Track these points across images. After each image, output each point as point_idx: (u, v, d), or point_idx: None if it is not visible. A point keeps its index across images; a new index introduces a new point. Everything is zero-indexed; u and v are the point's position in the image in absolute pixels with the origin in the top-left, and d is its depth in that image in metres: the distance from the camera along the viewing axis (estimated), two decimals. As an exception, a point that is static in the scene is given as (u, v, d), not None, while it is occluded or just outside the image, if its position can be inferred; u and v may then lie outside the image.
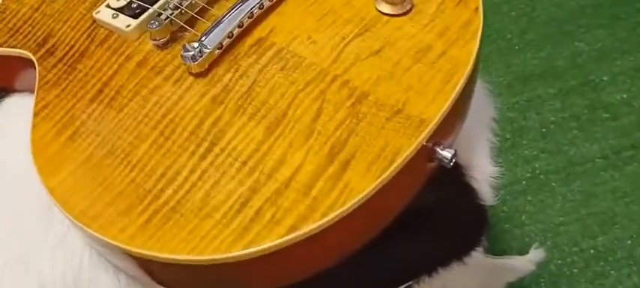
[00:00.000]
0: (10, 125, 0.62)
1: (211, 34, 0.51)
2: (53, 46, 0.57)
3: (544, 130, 1.14)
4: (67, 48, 0.57)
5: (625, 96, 1.13)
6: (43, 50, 0.57)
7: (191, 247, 0.42)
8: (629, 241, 1.00)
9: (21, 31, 0.60)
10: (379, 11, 0.52)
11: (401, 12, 0.52)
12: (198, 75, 0.51)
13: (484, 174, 0.55)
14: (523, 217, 1.05)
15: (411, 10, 0.52)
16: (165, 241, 0.43)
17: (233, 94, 0.49)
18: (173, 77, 0.51)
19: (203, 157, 0.46)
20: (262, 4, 0.53)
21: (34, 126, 0.51)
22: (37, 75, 0.56)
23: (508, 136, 1.12)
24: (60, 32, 0.58)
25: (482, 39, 0.50)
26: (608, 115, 1.12)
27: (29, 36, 0.59)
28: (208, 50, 0.50)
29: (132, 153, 0.47)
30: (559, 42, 1.23)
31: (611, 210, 1.04)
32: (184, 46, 0.51)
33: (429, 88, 0.47)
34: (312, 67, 0.49)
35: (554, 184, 1.08)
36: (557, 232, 1.03)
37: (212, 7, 0.55)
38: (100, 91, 0.52)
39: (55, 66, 0.56)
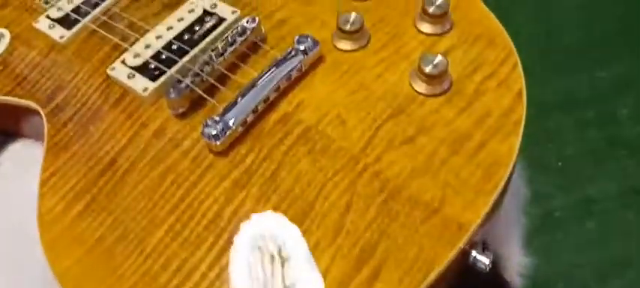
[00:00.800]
0: (17, 175, 0.59)
1: (234, 110, 0.48)
2: (63, 100, 0.54)
3: (560, 163, 1.11)
4: (79, 105, 0.53)
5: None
6: (52, 104, 0.54)
7: None
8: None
9: (29, 79, 0.56)
10: (414, 90, 0.49)
11: (438, 92, 0.48)
12: (219, 153, 0.47)
13: (515, 265, 0.52)
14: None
15: (448, 89, 0.49)
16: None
17: (256, 179, 0.46)
18: (192, 153, 0.48)
19: (223, 252, 0.43)
20: (290, 75, 0.50)
21: (42, 196, 0.48)
22: (46, 133, 0.52)
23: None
24: (71, 85, 0.55)
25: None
26: (626, 152, 1.09)
27: (38, 86, 0.56)
28: (231, 128, 0.47)
29: (146, 240, 0.44)
30: (578, 71, 1.19)
31: (627, 251, 1.01)
32: (206, 122, 0.47)
33: (467, 187, 0.44)
34: (341, 153, 0.46)
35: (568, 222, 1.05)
36: (571, 274, 1.00)
37: (234, 74, 0.52)
38: (114, 160, 0.49)
39: (65, 125, 0.52)
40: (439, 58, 0.48)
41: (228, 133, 0.47)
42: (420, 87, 0.49)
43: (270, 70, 0.50)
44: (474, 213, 0.43)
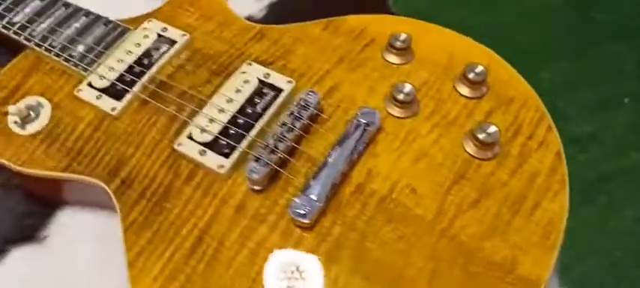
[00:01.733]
0: (69, 244, 0.60)
1: (317, 187, 0.52)
2: (129, 176, 0.56)
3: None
4: (147, 181, 0.55)
5: (591, 129, 1.21)
6: (117, 180, 0.56)
7: None
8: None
9: (84, 153, 0.58)
10: (469, 154, 0.55)
11: (491, 156, 0.55)
12: (306, 227, 0.51)
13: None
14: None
15: (499, 152, 0.55)
16: None
17: (346, 251, 0.50)
18: (279, 228, 0.52)
19: (329, 324, 0.48)
20: (359, 147, 0.54)
21: (134, 279, 0.51)
22: (118, 210, 0.54)
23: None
24: (134, 160, 0.57)
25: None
26: (575, 149, 1.21)
27: (96, 161, 0.57)
28: (319, 205, 0.51)
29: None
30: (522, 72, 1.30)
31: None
32: (293, 201, 0.51)
33: (532, 245, 0.50)
34: (417, 220, 0.52)
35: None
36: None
37: (300, 145, 0.56)
38: (200, 239, 0.52)
39: (137, 202, 0.54)
40: (493, 128, 0.54)
41: (315, 210, 0.51)
42: (475, 151, 0.55)
43: (341, 144, 0.54)
44: (543, 269, 0.49)
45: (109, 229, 0.60)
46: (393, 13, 0.79)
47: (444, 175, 0.54)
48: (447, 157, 0.55)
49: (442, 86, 0.59)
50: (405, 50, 0.60)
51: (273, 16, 0.75)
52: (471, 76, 0.58)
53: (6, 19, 0.67)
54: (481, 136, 0.54)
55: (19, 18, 0.68)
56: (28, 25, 0.67)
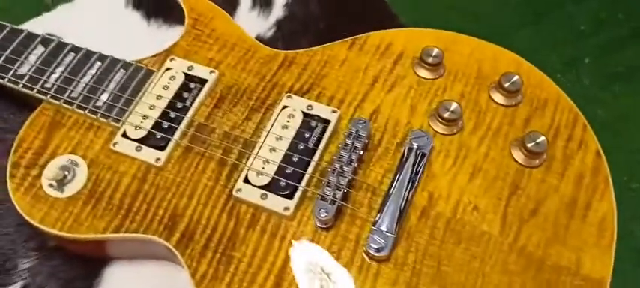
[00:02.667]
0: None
1: (386, 219, 0.53)
2: (188, 228, 0.55)
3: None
4: (209, 231, 0.55)
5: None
6: (177, 234, 0.55)
7: None
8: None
9: (135, 209, 0.56)
10: (519, 163, 0.57)
11: (539, 163, 0.57)
12: (382, 259, 0.53)
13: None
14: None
15: (545, 158, 0.58)
16: None
17: (425, 278, 0.52)
18: (355, 263, 0.53)
19: None
20: (417, 172, 0.55)
21: (220, 335, 0.51)
22: (185, 266, 0.54)
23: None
24: (189, 210, 0.56)
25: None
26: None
27: (150, 216, 0.56)
28: (392, 237, 0.52)
29: None
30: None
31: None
32: (370, 238, 0.52)
33: (590, 246, 0.54)
34: (485, 237, 0.54)
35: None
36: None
37: (357, 175, 0.56)
38: (278, 285, 0.52)
39: (203, 254, 0.54)
40: (541, 138, 0.56)
41: (390, 242, 0.52)
42: (524, 160, 0.57)
43: (400, 171, 0.55)
44: (605, 267, 0.53)
45: (163, 282, 0.59)
46: (393, 14, 0.80)
47: (500, 187, 0.56)
48: (500, 169, 0.57)
49: (479, 97, 0.61)
50: (437, 65, 0.62)
51: (282, 32, 0.74)
52: (506, 85, 0.60)
53: (10, 72, 0.64)
54: (530, 146, 0.56)
55: (25, 69, 0.64)
56: (37, 76, 0.63)
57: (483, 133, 0.59)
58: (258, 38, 0.72)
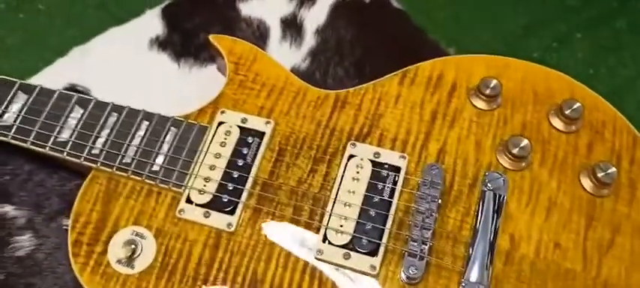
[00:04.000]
0: None
1: (475, 271, 0.53)
2: (269, 294, 0.54)
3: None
4: (293, 295, 0.54)
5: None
6: (259, 300, 0.54)
7: None
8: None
9: (212, 279, 0.55)
10: (590, 193, 0.58)
11: (607, 192, 0.58)
12: (476, 309, 0.53)
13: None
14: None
15: (614, 186, 0.58)
16: None
17: (522, 323, 0.52)
18: (448, 317, 0.53)
19: None
20: (496, 215, 0.55)
21: None
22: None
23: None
24: (269, 274, 0.55)
25: None
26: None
27: (229, 284, 0.54)
28: (486, 286, 0.52)
29: None
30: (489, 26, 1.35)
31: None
32: (463, 284, 0.52)
33: (670, 271, 0.55)
34: (570, 274, 0.54)
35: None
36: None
37: (441, 221, 0.56)
38: (375, 346, 0.52)
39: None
40: (612, 169, 0.57)
41: (484, 292, 0.52)
42: (594, 190, 0.57)
43: (482, 217, 0.55)
44: (684, 290, 0.54)
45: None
46: (420, 30, 0.78)
47: (576, 221, 0.56)
48: (573, 201, 0.57)
49: (540, 127, 0.61)
50: (495, 96, 0.61)
51: (318, 62, 0.72)
52: (568, 112, 0.60)
53: (51, 141, 0.60)
54: (601, 176, 0.57)
55: (66, 135, 0.61)
56: (81, 142, 0.60)
57: (551, 165, 0.59)
58: (294, 70, 0.70)
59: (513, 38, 1.37)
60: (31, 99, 0.62)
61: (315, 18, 0.76)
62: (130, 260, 0.55)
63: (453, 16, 1.41)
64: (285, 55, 0.72)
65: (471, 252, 0.53)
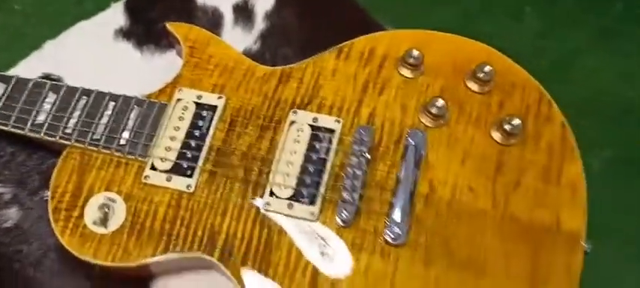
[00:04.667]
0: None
1: (398, 211, 0.62)
2: (226, 243, 0.63)
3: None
4: (246, 243, 0.63)
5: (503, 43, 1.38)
6: (217, 250, 0.63)
7: None
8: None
9: (175, 233, 0.63)
10: (500, 143, 0.67)
11: (514, 141, 0.67)
12: (400, 244, 0.62)
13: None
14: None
15: (521, 136, 0.67)
16: None
17: (436, 255, 0.61)
18: (376, 251, 0.62)
19: (445, 318, 0.59)
20: (417, 165, 0.65)
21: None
22: (230, 276, 0.61)
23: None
24: (224, 227, 0.63)
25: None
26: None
27: (190, 237, 0.63)
28: (405, 225, 0.62)
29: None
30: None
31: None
32: (387, 229, 0.61)
33: (565, 204, 0.64)
34: (482, 213, 0.63)
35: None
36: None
37: (367, 175, 0.65)
38: (315, 279, 0.61)
39: (244, 263, 0.62)
40: (517, 120, 0.66)
41: (405, 230, 0.61)
42: (503, 140, 0.67)
43: (403, 168, 0.64)
44: (580, 219, 0.64)
45: (202, 284, 0.66)
46: (365, 13, 0.87)
47: (487, 167, 0.66)
48: (484, 151, 0.66)
49: (457, 89, 0.70)
50: (418, 64, 0.70)
51: (267, 44, 0.81)
52: (481, 75, 0.69)
53: (29, 123, 0.69)
54: (508, 128, 0.66)
55: (42, 118, 0.69)
56: (56, 123, 0.68)
57: (466, 121, 0.68)
58: (245, 52, 0.79)
59: (464, 14, 1.46)
60: (9, 88, 0.70)
61: (264, 4, 0.84)
62: (103, 221, 0.63)
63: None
64: (238, 39, 0.81)
65: (395, 196, 0.63)
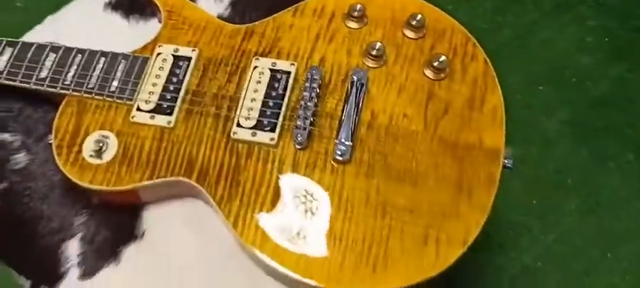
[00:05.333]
0: (165, 230, 0.78)
1: (344, 134, 0.74)
2: (202, 168, 0.75)
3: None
4: (218, 166, 0.75)
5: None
6: (195, 173, 0.75)
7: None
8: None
9: (160, 161, 0.76)
10: (431, 79, 0.80)
11: (443, 76, 0.80)
12: (345, 161, 0.74)
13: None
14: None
15: (448, 71, 0.80)
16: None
17: (377, 169, 0.74)
18: (327, 169, 0.74)
19: (383, 217, 0.72)
20: (360, 98, 0.77)
21: (242, 233, 0.71)
22: (207, 194, 0.74)
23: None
24: (201, 154, 0.76)
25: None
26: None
27: (172, 164, 0.75)
28: (350, 144, 0.74)
29: (335, 228, 0.71)
30: None
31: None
32: (335, 149, 0.74)
33: (488, 126, 0.77)
34: (414, 134, 0.76)
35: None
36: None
37: (317, 107, 0.78)
38: (277, 193, 0.73)
39: (218, 183, 0.74)
40: (443, 57, 0.78)
41: (349, 150, 0.74)
42: (433, 76, 0.79)
43: (348, 99, 0.77)
44: (499, 138, 0.76)
45: (186, 210, 0.79)
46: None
47: (420, 98, 0.78)
48: (418, 85, 0.79)
49: (395, 35, 0.83)
50: (361, 17, 0.83)
51: (236, 10, 0.93)
52: (413, 23, 0.82)
53: (34, 78, 0.81)
54: (436, 65, 0.79)
55: (45, 73, 0.81)
56: (56, 76, 0.81)
57: (402, 62, 0.81)
58: (219, 17, 0.91)
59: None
60: (15, 50, 0.83)
61: (234, -24, 0.97)
62: (98, 153, 0.76)
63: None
64: (211, 7, 0.93)
65: (341, 122, 0.75)
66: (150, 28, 0.91)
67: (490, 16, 1.65)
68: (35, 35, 0.93)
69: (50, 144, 0.79)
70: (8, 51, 0.83)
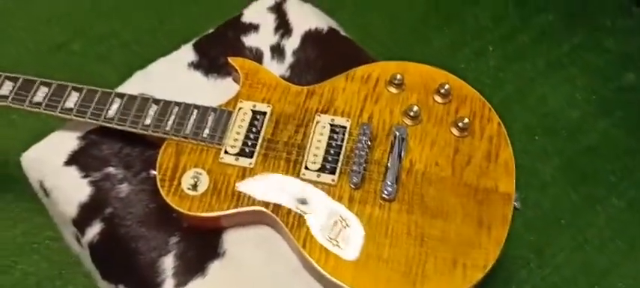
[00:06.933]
0: (242, 248, 0.98)
1: (390, 178, 0.95)
2: (276, 202, 0.95)
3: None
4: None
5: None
6: (271, 205, 0.95)
7: None
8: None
9: (242, 194, 0.96)
10: (456, 136, 1.01)
11: (466, 134, 1.01)
12: (390, 200, 0.95)
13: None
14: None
15: (469, 131, 1.01)
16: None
17: (416, 206, 0.94)
18: (376, 204, 0.95)
19: (420, 245, 0.92)
20: (401, 149, 0.98)
21: (318, 256, 0.91)
22: (281, 222, 0.94)
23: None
24: (274, 192, 0.96)
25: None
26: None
27: (251, 196, 0.95)
28: (395, 186, 0.95)
29: (383, 252, 0.91)
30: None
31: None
32: (383, 189, 0.94)
33: (501, 175, 0.97)
34: (445, 179, 0.96)
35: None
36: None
37: (368, 156, 0.98)
38: (336, 222, 0.93)
39: (289, 214, 0.94)
40: (466, 120, 1.00)
41: (394, 190, 0.95)
42: (458, 133, 1.01)
43: (392, 150, 0.97)
44: (511, 185, 0.97)
45: (258, 233, 0.99)
46: (362, 49, 1.21)
47: (448, 151, 0.99)
48: (446, 140, 1.00)
49: (427, 101, 1.04)
50: (400, 84, 1.04)
51: (295, 72, 1.15)
52: (442, 91, 1.03)
53: (140, 124, 1.01)
54: (460, 125, 1.00)
55: (149, 121, 1.02)
56: (158, 124, 1.01)
57: (433, 122, 1.02)
58: (282, 77, 1.12)
59: (442, 55, 1.82)
60: (123, 101, 1.03)
61: (292, 44, 1.19)
62: (194, 187, 0.96)
63: (392, 40, 1.85)
64: (274, 69, 1.14)
65: (387, 168, 0.96)
66: (225, 86, 1.12)
67: (493, 73, 1.87)
68: (126, 88, 1.13)
69: (151, 177, 0.99)
70: (117, 101, 1.04)
